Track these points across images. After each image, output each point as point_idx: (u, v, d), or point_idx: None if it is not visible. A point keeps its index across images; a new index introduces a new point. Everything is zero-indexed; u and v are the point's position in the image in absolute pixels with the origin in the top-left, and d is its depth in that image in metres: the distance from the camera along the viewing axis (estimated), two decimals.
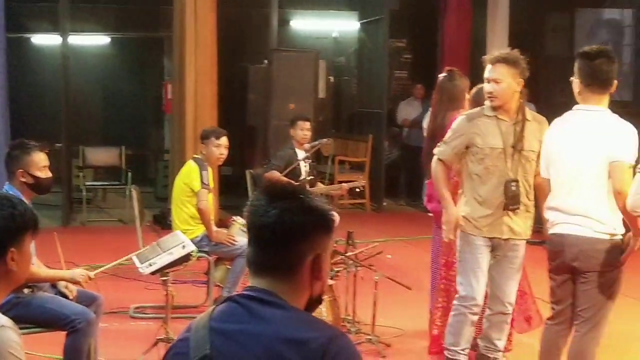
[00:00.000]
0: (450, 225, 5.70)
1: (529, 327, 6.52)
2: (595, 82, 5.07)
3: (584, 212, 5.04)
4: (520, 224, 5.73)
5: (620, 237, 5.04)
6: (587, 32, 16.12)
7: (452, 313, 5.86)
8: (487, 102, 5.69)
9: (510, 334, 6.44)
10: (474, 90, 6.40)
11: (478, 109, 5.78)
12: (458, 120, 5.82)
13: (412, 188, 14.41)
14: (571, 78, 5.17)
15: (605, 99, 5.12)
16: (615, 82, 5.13)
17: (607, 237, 5.02)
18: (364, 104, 15.65)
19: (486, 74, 5.64)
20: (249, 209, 2.32)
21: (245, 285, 2.36)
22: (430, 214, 6.88)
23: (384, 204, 14.24)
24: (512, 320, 6.38)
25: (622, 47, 15.60)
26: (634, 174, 4.79)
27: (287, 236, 2.24)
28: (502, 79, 5.56)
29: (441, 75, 6.77)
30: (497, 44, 13.47)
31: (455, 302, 5.84)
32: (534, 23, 15.67)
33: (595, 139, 5.03)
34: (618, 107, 5.27)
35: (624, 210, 4.88)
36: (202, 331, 2.25)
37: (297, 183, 8.03)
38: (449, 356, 5.85)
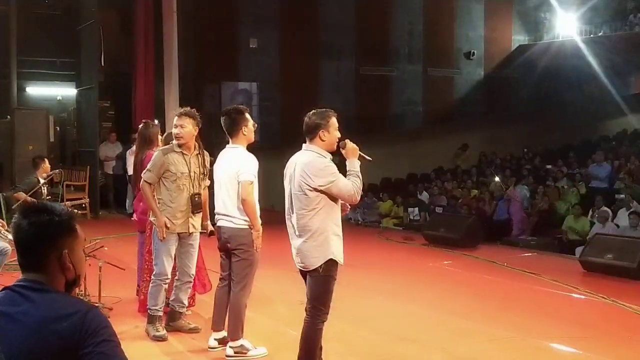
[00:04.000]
0: (162, 228, 5.59)
1: (205, 290, 6.66)
2: (226, 130, 5.24)
3: (227, 212, 5.18)
4: (198, 221, 5.82)
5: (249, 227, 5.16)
6: (229, 97, 16.83)
7: (151, 285, 5.80)
8: (174, 141, 5.67)
9: (194, 294, 6.49)
10: (165, 134, 6.36)
11: (169, 146, 5.72)
12: (157, 154, 5.69)
13: (118, 202, 14.46)
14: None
15: (240, 139, 5.22)
16: (242, 129, 5.20)
17: (241, 227, 5.14)
18: (82, 145, 15.12)
19: (175, 122, 5.61)
20: (12, 224, 2.13)
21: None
22: (133, 219, 6.84)
23: (100, 213, 13.85)
24: (195, 285, 6.42)
25: (252, 107, 16.42)
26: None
27: (36, 244, 2.05)
28: (186, 125, 5.58)
29: (140, 125, 6.61)
30: (171, 104, 13.64)
31: (153, 276, 5.79)
32: (195, 91, 16.01)
33: (230, 165, 5.17)
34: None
35: (247, 211, 5.08)
36: None
37: (40, 201, 7.76)
38: (152, 313, 5.79)
